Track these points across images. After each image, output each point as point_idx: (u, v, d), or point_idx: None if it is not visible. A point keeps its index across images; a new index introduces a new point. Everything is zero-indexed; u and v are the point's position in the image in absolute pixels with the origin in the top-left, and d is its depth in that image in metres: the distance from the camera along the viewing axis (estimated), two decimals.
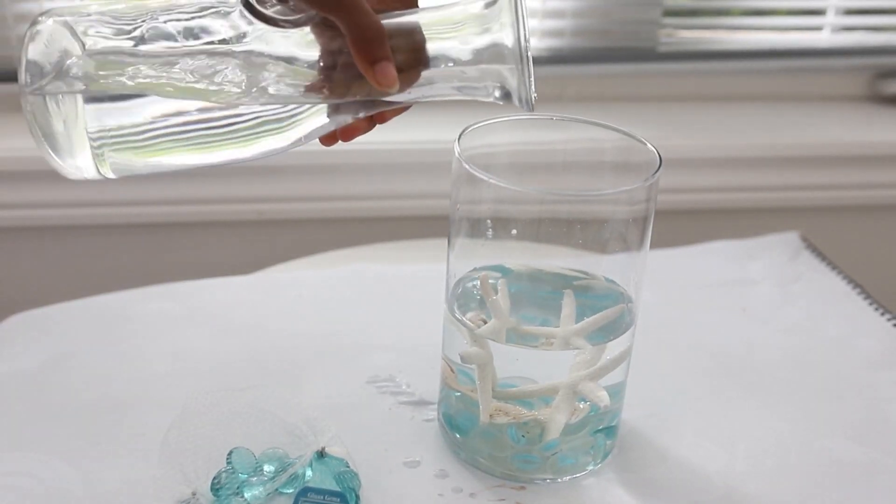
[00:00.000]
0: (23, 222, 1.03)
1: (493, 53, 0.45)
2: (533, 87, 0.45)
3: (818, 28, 1.17)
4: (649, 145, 0.53)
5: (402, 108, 0.49)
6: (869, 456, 0.58)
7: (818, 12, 1.16)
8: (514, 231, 0.55)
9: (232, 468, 0.53)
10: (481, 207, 0.53)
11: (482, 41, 0.45)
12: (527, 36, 0.45)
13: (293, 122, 0.46)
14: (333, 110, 0.47)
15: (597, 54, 1.12)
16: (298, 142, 0.47)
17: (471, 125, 0.53)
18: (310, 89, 0.45)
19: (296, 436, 0.55)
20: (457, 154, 0.51)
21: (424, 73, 0.46)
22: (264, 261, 0.86)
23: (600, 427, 0.55)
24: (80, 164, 0.45)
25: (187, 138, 0.45)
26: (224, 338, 0.67)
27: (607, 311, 0.54)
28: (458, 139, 0.52)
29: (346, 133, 0.49)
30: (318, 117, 0.47)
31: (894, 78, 1.18)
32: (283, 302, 0.72)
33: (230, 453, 0.53)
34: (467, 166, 0.50)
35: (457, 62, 0.45)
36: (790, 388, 0.64)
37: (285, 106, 0.45)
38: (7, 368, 0.63)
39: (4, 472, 0.54)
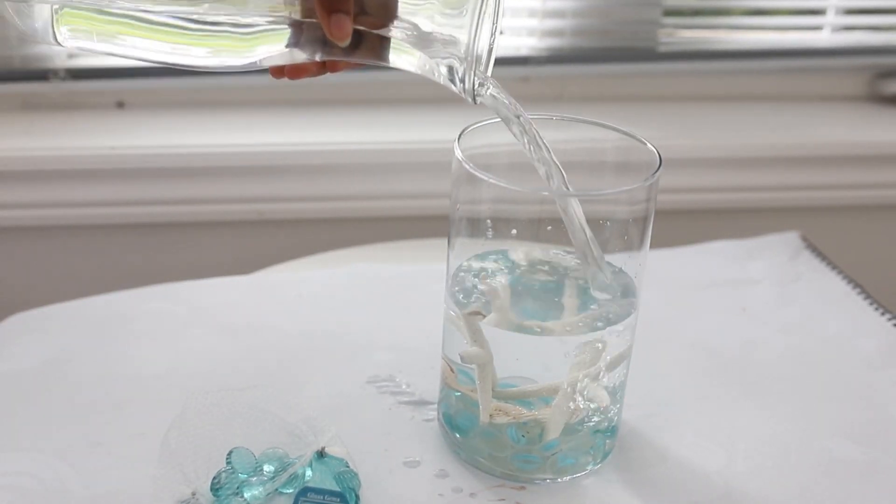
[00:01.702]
0: (23, 222, 1.03)
1: (450, 39, 0.46)
2: (475, 81, 0.47)
3: (818, 28, 1.17)
4: (649, 145, 0.53)
5: (357, 63, 0.50)
6: (869, 456, 0.58)
7: (818, 12, 1.16)
8: (514, 231, 0.55)
9: (232, 468, 0.53)
10: (481, 207, 0.53)
11: (444, 24, 0.46)
12: (493, 31, 0.46)
13: (252, 41, 0.46)
14: (293, 43, 0.47)
15: (597, 54, 1.12)
16: (253, 64, 0.48)
17: (471, 125, 0.53)
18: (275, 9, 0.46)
19: (296, 436, 0.55)
20: (457, 154, 0.51)
21: (386, 38, 0.46)
22: (264, 261, 0.86)
23: (600, 427, 0.55)
24: (37, 24, 0.46)
25: (144, 20, 0.46)
26: (224, 338, 0.67)
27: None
28: (458, 139, 0.52)
29: (294, 71, 0.50)
30: (276, 44, 0.47)
31: (894, 78, 1.18)
32: (283, 302, 0.72)
33: (230, 453, 0.53)
34: (467, 166, 0.50)
35: (419, 35, 0.46)
36: (790, 388, 0.64)
37: (247, 24, 0.46)
38: (7, 368, 0.63)
39: (4, 472, 0.54)
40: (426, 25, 0.47)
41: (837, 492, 0.55)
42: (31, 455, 0.56)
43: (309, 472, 0.53)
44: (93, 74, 1.06)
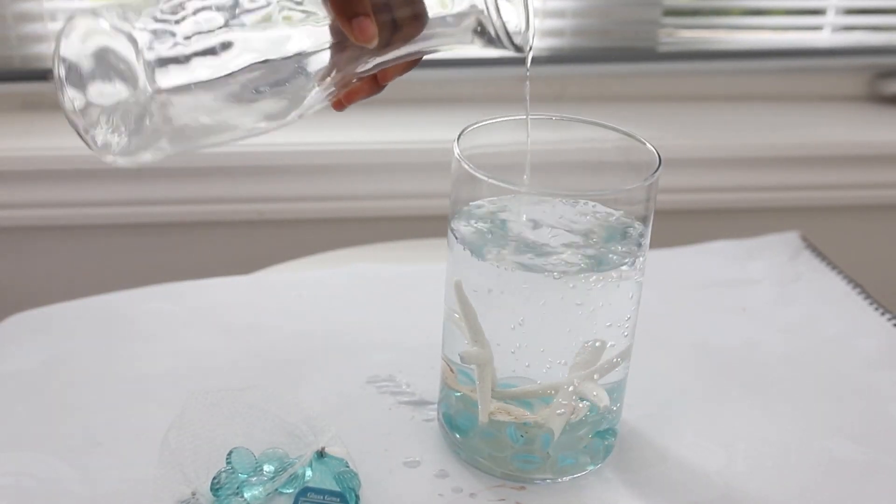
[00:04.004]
0: (23, 222, 1.03)
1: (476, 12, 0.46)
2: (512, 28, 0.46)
3: (818, 28, 1.17)
4: (649, 145, 0.53)
5: (406, 66, 0.49)
6: (869, 456, 0.58)
7: (818, 12, 1.16)
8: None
9: (232, 468, 0.53)
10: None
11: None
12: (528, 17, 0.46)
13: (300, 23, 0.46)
14: (337, 50, 0.47)
15: (597, 54, 1.12)
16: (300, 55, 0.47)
17: (471, 125, 0.53)
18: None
19: (296, 436, 0.55)
20: (457, 154, 0.51)
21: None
22: (264, 261, 0.86)
23: (600, 427, 0.55)
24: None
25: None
26: (224, 338, 0.67)
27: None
28: (458, 139, 0.52)
29: (350, 95, 0.50)
30: (317, 35, 0.47)
31: (894, 78, 1.18)
32: (283, 302, 0.72)
33: (230, 453, 0.53)
34: (467, 166, 0.50)
35: (451, 15, 0.46)
36: (790, 388, 0.64)
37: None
38: (7, 368, 0.63)
39: (4, 472, 0.54)
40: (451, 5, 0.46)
41: (837, 492, 0.55)
42: (31, 455, 0.56)
43: (309, 472, 0.53)
44: None
